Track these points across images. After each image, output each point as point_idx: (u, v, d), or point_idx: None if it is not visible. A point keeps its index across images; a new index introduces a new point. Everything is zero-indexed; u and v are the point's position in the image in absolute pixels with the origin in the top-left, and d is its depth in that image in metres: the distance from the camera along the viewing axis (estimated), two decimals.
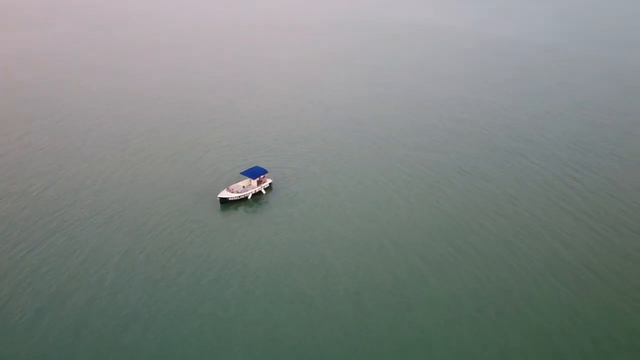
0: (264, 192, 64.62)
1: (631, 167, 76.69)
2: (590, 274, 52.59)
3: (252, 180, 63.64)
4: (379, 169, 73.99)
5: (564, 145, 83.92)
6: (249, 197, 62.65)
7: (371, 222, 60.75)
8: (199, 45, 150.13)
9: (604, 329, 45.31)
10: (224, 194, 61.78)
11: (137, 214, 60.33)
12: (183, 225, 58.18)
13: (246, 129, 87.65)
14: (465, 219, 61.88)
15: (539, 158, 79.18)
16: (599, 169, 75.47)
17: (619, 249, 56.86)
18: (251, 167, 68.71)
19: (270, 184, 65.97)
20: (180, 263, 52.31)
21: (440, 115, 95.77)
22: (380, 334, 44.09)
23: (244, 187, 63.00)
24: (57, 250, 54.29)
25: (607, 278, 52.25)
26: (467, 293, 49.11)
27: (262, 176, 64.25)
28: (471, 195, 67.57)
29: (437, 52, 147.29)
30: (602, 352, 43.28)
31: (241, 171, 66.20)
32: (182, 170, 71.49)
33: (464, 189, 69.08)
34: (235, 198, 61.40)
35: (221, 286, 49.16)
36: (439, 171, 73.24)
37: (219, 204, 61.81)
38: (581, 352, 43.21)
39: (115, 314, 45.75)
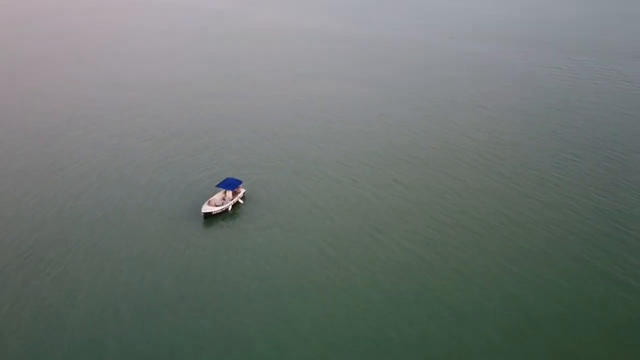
0: (241, 202, 65.22)
1: None
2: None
3: (228, 192, 64.33)
4: (345, 166, 76.61)
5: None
6: (229, 208, 63.15)
7: (352, 216, 62.78)
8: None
9: None
10: (207, 208, 61.24)
11: (114, 243, 57.04)
12: (173, 248, 56.08)
13: (201, 138, 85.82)
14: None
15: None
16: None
17: None
18: (223, 179, 68.32)
19: (244, 193, 66.42)
20: (182, 287, 50.42)
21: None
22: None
23: (223, 199, 63.29)
24: (15, 284, 50.20)
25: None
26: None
27: (238, 187, 65.35)
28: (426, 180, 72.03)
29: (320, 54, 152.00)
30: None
31: (216, 184, 65.60)
32: (146, 189, 68.70)
33: (420, 179, 73.68)
34: (218, 211, 61.29)
35: (241, 304, 48.15)
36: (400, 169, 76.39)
37: (201, 219, 61.01)
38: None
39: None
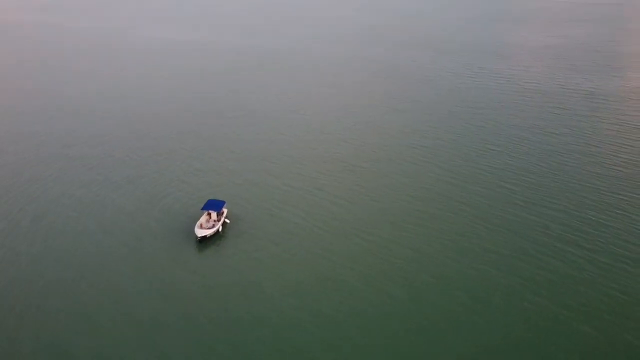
0: (227, 221, 63.39)
1: None
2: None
3: (212, 213, 62.09)
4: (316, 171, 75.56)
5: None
6: (220, 229, 61.44)
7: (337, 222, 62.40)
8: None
9: None
10: (201, 231, 58.83)
11: (109, 276, 53.79)
12: (170, 276, 53.44)
13: (170, 158, 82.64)
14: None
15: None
16: None
17: None
18: (205, 200, 66.27)
19: (226, 213, 64.59)
20: (182, 315, 48.11)
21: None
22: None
23: (208, 221, 60.96)
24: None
25: None
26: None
27: (222, 207, 62.82)
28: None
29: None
30: None
31: (201, 207, 62.94)
32: (129, 215, 66.00)
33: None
34: (212, 234, 59.44)
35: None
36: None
37: (193, 243, 58.70)
38: None
39: None
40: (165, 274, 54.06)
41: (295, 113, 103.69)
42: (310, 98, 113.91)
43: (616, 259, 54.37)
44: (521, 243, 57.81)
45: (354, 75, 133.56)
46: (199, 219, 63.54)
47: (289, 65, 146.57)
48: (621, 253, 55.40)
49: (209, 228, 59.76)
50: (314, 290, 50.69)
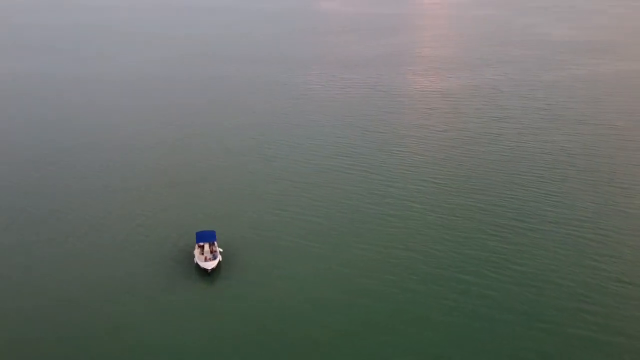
0: (221, 250, 56.58)
1: None
2: None
3: (205, 245, 55.34)
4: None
5: None
6: (220, 259, 54.50)
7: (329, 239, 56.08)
8: None
9: None
10: (208, 264, 52.51)
11: (111, 314, 46.96)
12: (176, 313, 46.50)
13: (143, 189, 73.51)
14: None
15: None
16: None
17: None
18: (190, 232, 59.22)
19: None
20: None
21: None
22: None
23: (212, 251, 54.70)
24: None
25: None
26: None
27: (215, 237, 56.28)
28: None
29: None
30: None
31: (198, 242, 55.66)
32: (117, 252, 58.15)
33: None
34: (216, 265, 52.79)
35: None
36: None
37: (193, 277, 51.69)
38: None
39: None
40: (176, 309, 47.67)
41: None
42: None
43: None
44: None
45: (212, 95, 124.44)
46: (192, 251, 56.59)
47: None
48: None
49: (212, 259, 52.62)
50: (326, 309, 47.37)
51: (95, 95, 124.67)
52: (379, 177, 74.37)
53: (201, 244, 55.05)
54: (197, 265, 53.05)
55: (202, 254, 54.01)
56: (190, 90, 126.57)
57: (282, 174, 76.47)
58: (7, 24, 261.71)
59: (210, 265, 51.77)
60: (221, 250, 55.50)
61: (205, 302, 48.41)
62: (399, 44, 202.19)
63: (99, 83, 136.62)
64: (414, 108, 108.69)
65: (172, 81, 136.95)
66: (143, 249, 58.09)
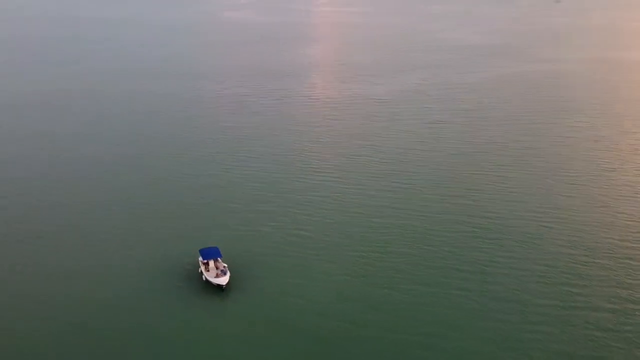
0: (225, 265, 56.73)
1: None
2: None
3: (210, 261, 54.40)
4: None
5: None
6: (229, 275, 54.09)
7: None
8: None
9: None
10: (221, 279, 51.79)
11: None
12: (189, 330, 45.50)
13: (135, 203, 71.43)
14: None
15: None
16: None
17: None
18: (201, 249, 56.57)
19: None
20: None
21: None
22: None
23: (223, 266, 54.19)
24: None
25: None
26: None
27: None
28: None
29: None
30: None
31: (204, 259, 54.61)
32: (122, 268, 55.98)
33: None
34: (228, 280, 52.29)
35: None
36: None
37: (204, 293, 50.83)
38: None
39: None
40: (194, 326, 46.69)
41: None
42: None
43: None
44: None
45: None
46: (198, 268, 55.62)
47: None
48: None
49: (222, 275, 52.59)
50: (338, 321, 47.74)
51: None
52: (353, 187, 76.38)
53: (206, 260, 54.63)
54: (208, 281, 52.61)
55: (208, 270, 53.83)
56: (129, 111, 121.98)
57: (273, 186, 76.71)
58: None
59: (224, 280, 51.62)
60: (225, 265, 55.39)
61: (222, 317, 48.32)
62: (318, 53, 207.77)
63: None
64: (356, 114, 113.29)
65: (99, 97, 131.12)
66: (147, 266, 56.88)
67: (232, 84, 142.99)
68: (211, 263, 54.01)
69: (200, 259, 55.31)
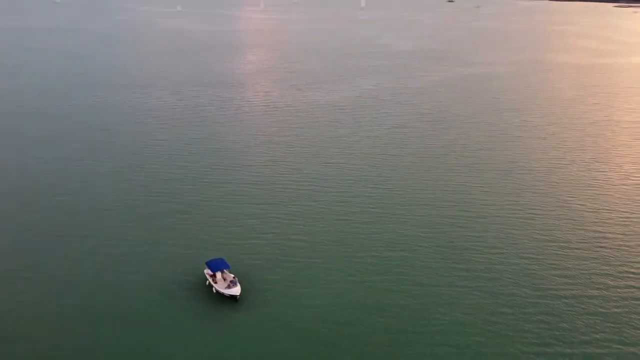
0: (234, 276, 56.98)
1: None
2: None
3: (218, 273, 53.75)
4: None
5: None
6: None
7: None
8: None
9: None
10: (233, 290, 51.24)
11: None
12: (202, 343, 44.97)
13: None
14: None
15: None
16: None
17: None
18: (208, 260, 56.34)
19: None
20: None
21: None
22: None
23: (232, 277, 53.40)
24: None
25: None
26: None
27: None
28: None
29: None
30: None
31: (213, 270, 53.59)
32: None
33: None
34: (240, 290, 52.01)
35: None
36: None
37: (216, 304, 50.22)
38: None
39: None
40: (209, 338, 45.83)
41: None
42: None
43: None
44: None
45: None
46: (206, 280, 54.86)
47: None
48: None
49: (234, 286, 52.56)
50: (350, 328, 48.30)
51: None
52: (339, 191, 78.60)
53: (213, 272, 54.37)
54: (219, 293, 52.42)
55: (216, 282, 53.67)
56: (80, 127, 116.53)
57: (258, 196, 76.35)
58: None
59: (237, 291, 51.29)
60: (234, 276, 55.24)
61: (238, 328, 48.18)
62: (264, 61, 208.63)
63: None
64: (321, 121, 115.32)
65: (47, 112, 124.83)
66: (151, 280, 55.65)
67: (187, 95, 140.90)
68: (219, 275, 53.91)
69: (208, 271, 55.14)
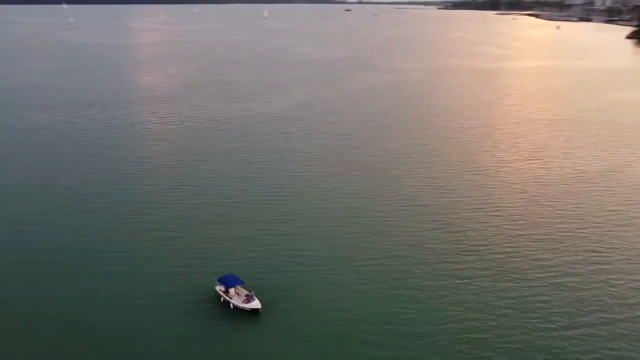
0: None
1: None
2: None
3: (231, 289, 53.29)
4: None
5: None
6: None
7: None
8: None
9: None
10: (254, 303, 50.92)
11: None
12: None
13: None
14: None
15: None
16: None
17: None
18: (220, 277, 55.12)
19: None
20: None
21: None
22: None
23: (248, 292, 52.96)
24: None
25: None
26: None
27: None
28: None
29: None
30: None
31: (227, 286, 52.97)
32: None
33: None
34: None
35: None
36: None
37: (235, 320, 49.87)
38: None
39: None
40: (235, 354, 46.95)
41: None
42: None
43: None
44: None
45: None
46: (221, 297, 53.78)
47: None
48: None
49: (252, 300, 52.55)
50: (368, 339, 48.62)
51: None
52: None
53: (226, 289, 53.98)
54: (237, 308, 51.96)
55: (230, 297, 53.38)
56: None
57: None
58: None
59: (258, 304, 51.09)
60: (250, 290, 54.76)
61: (262, 341, 48.59)
62: (188, 73, 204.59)
63: None
64: (270, 133, 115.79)
65: None
66: (166, 297, 54.09)
67: (120, 112, 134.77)
68: (232, 291, 53.73)
69: (221, 287, 54.56)
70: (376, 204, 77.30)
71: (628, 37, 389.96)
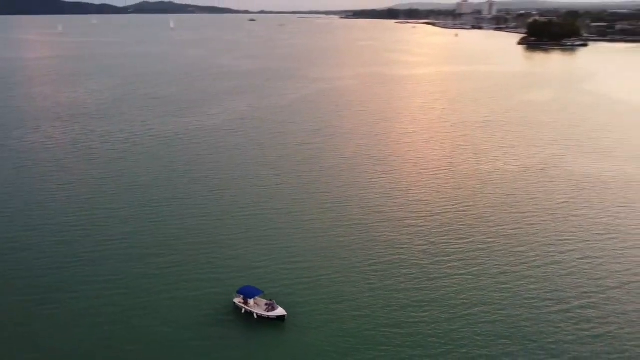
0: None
1: None
2: None
3: (250, 300, 53.99)
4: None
5: None
6: None
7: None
8: None
9: None
10: (278, 311, 52.03)
11: None
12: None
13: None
14: None
15: None
16: None
17: None
18: (240, 288, 55.64)
19: None
20: None
21: None
22: None
23: (268, 301, 53.66)
24: None
25: None
26: None
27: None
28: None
29: None
30: None
31: (247, 297, 53.58)
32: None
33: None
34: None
35: None
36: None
37: (260, 329, 50.67)
38: None
39: None
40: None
41: None
42: None
43: None
44: None
45: None
46: (242, 309, 54.21)
47: None
48: None
49: (275, 308, 53.44)
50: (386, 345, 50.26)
51: None
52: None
53: (246, 299, 54.33)
54: (261, 317, 52.48)
55: (251, 308, 53.84)
56: None
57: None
58: None
59: (283, 311, 51.97)
60: (272, 300, 55.03)
61: (291, 348, 49.84)
62: (112, 88, 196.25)
63: None
64: (219, 146, 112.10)
65: None
66: (187, 310, 53.60)
67: (54, 131, 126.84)
68: (252, 302, 54.33)
69: (240, 299, 54.77)
70: (351, 211, 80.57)
71: (519, 44, 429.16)
